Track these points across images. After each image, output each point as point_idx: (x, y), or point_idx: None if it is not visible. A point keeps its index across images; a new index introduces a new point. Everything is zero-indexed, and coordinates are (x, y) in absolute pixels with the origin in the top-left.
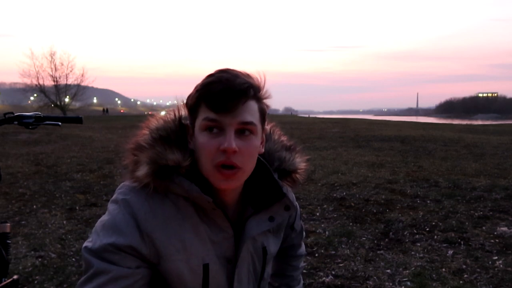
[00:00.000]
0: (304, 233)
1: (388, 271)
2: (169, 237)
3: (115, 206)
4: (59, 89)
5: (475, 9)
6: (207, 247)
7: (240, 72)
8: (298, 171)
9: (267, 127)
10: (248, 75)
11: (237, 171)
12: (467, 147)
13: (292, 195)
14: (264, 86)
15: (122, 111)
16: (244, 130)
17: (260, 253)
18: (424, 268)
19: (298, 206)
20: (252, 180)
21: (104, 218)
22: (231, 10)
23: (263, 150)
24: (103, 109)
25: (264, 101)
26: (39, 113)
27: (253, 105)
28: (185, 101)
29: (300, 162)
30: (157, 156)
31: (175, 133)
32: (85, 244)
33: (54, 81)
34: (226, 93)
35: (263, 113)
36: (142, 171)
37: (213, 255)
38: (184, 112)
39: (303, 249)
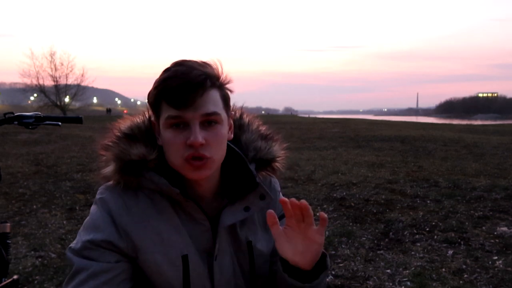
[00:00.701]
0: None
1: (388, 271)
2: (145, 231)
3: (94, 206)
4: (59, 89)
5: (475, 9)
6: (185, 239)
7: (196, 62)
8: (277, 159)
9: (246, 119)
10: (204, 65)
11: (206, 161)
12: (467, 147)
13: (276, 185)
14: (222, 72)
15: (125, 111)
16: (209, 121)
17: (243, 247)
18: (424, 268)
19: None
20: (229, 172)
21: (86, 219)
22: (231, 10)
23: (232, 136)
24: (107, 109)
25: (226, 86)
26: (39, 113)
27: (214, 94)
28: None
29: (278, 150)
30: (121, 153)
31: (143, 131)
32: (69, 246)
33: (54, 81)
34: (183, 88)
35: (226, 99)
36: (109, 168)
37: (192, 247)
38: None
39: None
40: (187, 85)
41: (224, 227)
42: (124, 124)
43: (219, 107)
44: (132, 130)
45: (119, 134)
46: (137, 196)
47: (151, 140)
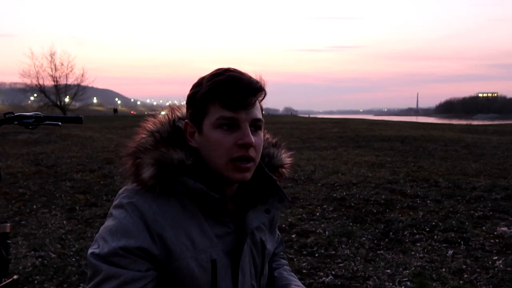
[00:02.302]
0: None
1: (388, 271)
2: (178, 236)
3: (121, 210)
4: (59, 89)
5: (475, 9)
6: (213, 243)
7: (244, 72)
8: (285, 165)
9: None
10: (251, 75)
11: (252, 164)
12: (467, 147)
13: None
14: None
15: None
16: (255, 126)
17: (259, 247)
18: (424, 268)
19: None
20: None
21: (109, 223)
22: (231, 10)
23: None
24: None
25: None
26: (39, 113)
27: (259, 103)
28: (185, 100)
29: (286, 157)
30: (162, 157)
31: (174, 134)
32: (91, 250)
33: (54, 81)
34: (243, 91)
35: (262, 111)
36: (148, 173)
37: (219, 251)
38: (177, 114)
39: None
40: (247, 89)
41: (251, 229)
42: (156, 126)
43: (261, 115)
44: (167, 133)
45: (157, 137)
46: (169, 201)
47: (183, 144)
